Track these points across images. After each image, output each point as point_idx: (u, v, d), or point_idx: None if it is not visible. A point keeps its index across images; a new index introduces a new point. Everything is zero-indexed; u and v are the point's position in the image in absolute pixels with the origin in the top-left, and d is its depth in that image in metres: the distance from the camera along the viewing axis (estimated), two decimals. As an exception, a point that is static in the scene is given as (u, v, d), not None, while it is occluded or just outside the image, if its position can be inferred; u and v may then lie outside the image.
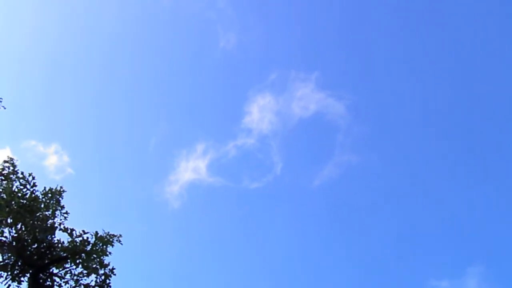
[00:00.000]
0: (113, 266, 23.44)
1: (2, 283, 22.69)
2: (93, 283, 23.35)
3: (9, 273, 22.72)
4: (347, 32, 67.13)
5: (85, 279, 23.37)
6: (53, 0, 63.51)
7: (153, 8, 65.87)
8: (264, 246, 56.77)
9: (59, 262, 23.39)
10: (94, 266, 23.37)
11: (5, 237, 22.73)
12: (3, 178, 23.35)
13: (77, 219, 24.05)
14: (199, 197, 59.81)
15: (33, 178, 23.74)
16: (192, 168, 56.60)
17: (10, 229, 22.85)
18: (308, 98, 61.96)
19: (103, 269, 23.40)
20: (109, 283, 23.06)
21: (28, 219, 22.99)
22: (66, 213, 24.19)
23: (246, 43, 65.46)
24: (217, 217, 58.98)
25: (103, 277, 23.22)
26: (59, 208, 24.11)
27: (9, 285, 22.62)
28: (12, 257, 22.93)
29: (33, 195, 23.46)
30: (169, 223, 57.42)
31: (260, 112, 60.15)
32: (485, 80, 61.99)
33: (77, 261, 23.39)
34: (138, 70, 64.56)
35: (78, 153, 57.45)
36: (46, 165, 47.51)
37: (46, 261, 23.19)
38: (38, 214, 23.23)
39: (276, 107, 60.81)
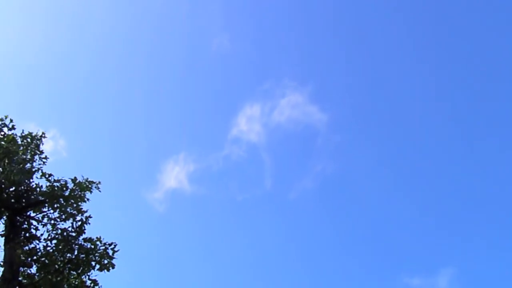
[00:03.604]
0: (90, 214, 23.38)
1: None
2: (70, 229, 23.34)
3: (-15, 214, 22.67)
4: (344, 43, 65.38)
5: (62, 224, 23.36)
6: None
7: (142, 12, 64.43)
8: (250, 250, 57.55)
9: (37, 206, 23.26)
10: (71, 211, 23.27)
11: (-18, 178, 22.53)
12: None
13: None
14: (183, 205, 60.29)
15: (11, 120, 23.31)
16: (176, 176, 56.52)
17: (-13, 170, 22.62)
18: (299, 110, 61.12)
19: (80, 215, 23.33)
20: (84, 229, 23.02)
21: (6, 161, 22.70)
22: (45, 158, 23.88)
23: (239, 51, 64.16)
24: (201, 226, 59.53)
25: (79, 223, 23.19)
26: (38, 152, 23.77)
27: (-15, 226, 22.62)
28: (-11, 199, 22.79)
29: (11, 137, 23.07)
30: (152, 227, 58.17)
31: (249, 123, 59.42)
32: (482, 85, 61.18)
33: (55, 206, 23.27)
34: (129, 74, 64.26)
35: (74, 141, 58.01)
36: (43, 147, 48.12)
37: (23, 204, 23.09)
38: (15, 157, 22.90)
39: (266, 118, 60.01)
